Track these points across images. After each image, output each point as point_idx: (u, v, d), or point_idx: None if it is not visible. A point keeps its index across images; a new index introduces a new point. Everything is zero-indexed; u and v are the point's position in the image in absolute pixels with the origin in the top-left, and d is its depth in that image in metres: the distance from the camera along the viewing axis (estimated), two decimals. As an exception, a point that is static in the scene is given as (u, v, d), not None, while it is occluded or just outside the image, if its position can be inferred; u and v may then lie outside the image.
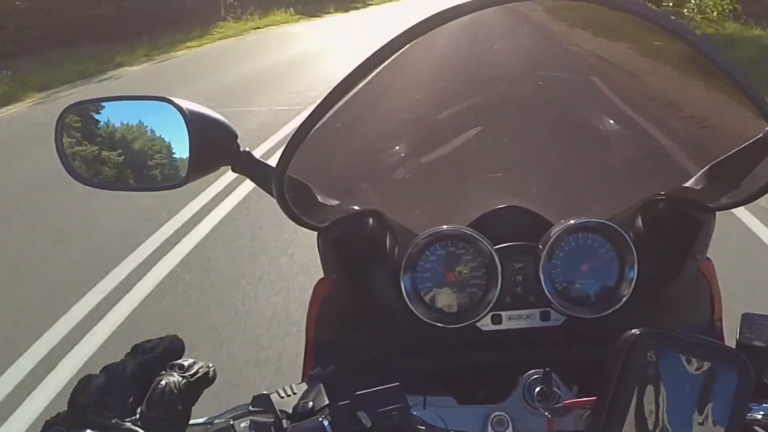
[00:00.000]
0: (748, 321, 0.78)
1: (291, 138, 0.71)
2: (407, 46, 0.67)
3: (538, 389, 0.76)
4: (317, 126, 0.70)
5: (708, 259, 0.93)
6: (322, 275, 0.95)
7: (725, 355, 0.65)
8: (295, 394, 0.70)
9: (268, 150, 6.06)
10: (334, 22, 21.65)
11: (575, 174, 1.03)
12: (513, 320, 0.88)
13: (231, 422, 0.62)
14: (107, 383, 0.62)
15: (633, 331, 0.66)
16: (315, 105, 0.69)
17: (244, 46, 16.09)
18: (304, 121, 0.69)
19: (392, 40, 0.66)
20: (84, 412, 0.59)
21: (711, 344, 0.66)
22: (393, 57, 0.67)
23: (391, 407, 0.61)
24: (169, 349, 0.67)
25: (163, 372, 0.64)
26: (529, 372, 0.78)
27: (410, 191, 1.01)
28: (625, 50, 0.89)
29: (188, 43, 16.46)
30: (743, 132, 0.79)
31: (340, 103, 0.70)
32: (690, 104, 0.92)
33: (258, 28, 20.47)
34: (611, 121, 0.97)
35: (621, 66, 0.91)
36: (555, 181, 1.04)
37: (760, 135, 0.75)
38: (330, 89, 0.68)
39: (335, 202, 0.92)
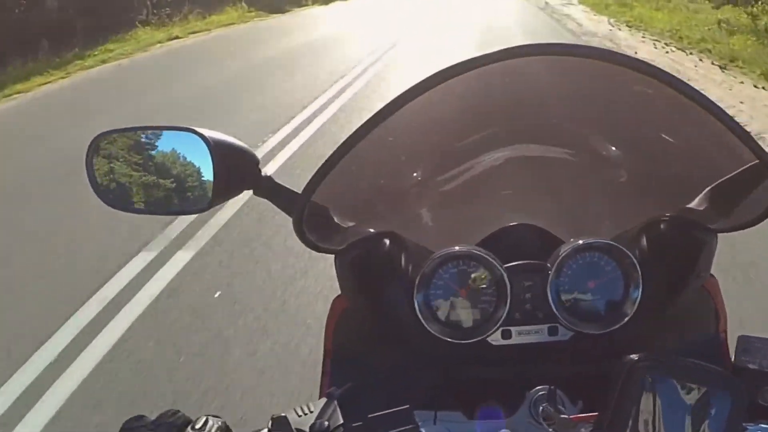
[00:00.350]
0: (744, 343, 0.81)
1: (319, 168, 0.75)
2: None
3: (542, 406, 0.79)
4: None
5: (712, 276, 0.96)
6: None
7: (719, 378, 0.69)
8: (312, 412, 0.74)
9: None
10: (304, 20, 16.52)
11: (584, 193, 1.06)
12: (522, 335, 0.91)
13: None
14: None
15: (631, 356, 0.70)
16: (346, 137, 0.74)
17: (90, 87, 10.00)
18: (333, 153, 0.74)
19: (426, 80, 0.70)
20: None
21: (705, 369, 0.69)
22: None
23: (401, 429, 0.66)
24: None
25: None
26: (536, 388, 0.81)
27: (425, 211, 1.05)
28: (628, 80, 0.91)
29: (19, 85, 9.87)
30: (742, 155, 0.81)
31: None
32: (692, 130, 0.94)
33: (176, 38, 14.31)
34: (615, 149, 1.00)
35: (626, 86, 0.93)
36: (565, 199, 1.07)
37: (754, 162, 0.78)
38: (362, 122, 0.72)
39: (351, 224, 0.96)
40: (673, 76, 0.70)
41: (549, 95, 0.90)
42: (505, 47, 0.71)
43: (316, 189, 0.78)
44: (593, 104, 0.92)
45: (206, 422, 0.68)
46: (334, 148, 0.76)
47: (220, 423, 0.69)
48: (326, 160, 0.76)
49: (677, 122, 0.87)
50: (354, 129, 0.74)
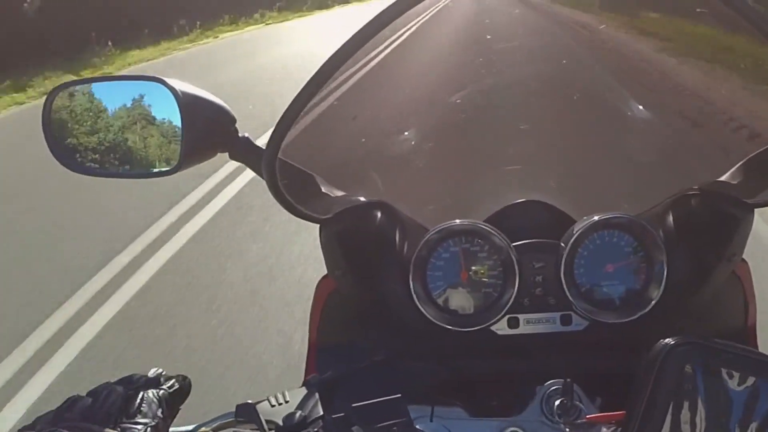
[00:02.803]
0: None
1: (281, 118, 0.64)
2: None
3: (558, 402, 0.69)
4: (314, 108, 0.64)
5: (743, 260, 0.86)
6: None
7: None
8: (287, 402, 0.63)
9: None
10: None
11: (600, 167, 0.96)
12: (531, 324, 0.82)
13: None
14: (93, 403, 0.59)
15: (667, 340, 0.59)
16: (304, 84, 0.63)
17: None
18: (294, 99, 0.63)
19: (379, 16, 0.59)
20: (63, 420, 0.56)
21: (756, 356, 0.59)
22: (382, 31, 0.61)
23: (391, 422, 0.55)
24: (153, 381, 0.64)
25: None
26: (548, 382, 0.71)
27: (422, 183, 0.94)
28: (657, 39, 0.81)
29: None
30: None
31: (343, 84, 0.64)
32: (726, 94, 0.84)
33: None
34: (640, 108, 0.89)
35: (653, 54, 0.83)
36: (578, 174, 0.97)
37: None
38: (320, 66, 0.61)
39: (340, 193, 0.85)
40: None
41: (563, 46, 0.79)
42: None
43: (281, 140, 0.67)
44: (618, 59, 0.82)
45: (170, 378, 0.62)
46: (293, 97, 0.65)
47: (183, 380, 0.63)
48: (287, 110, 0.65)
49: (714, 85, 0.77)
50: (313, 73, 0.63)
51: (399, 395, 0.57)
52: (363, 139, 0.85)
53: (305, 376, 0.89)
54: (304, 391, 0.66)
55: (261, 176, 0.81)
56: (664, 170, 0.92)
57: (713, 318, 0.86)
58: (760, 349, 0.78)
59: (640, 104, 0.89)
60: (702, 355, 0.57)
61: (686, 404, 0.57)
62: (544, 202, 0.93)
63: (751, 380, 0.57)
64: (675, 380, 0.57)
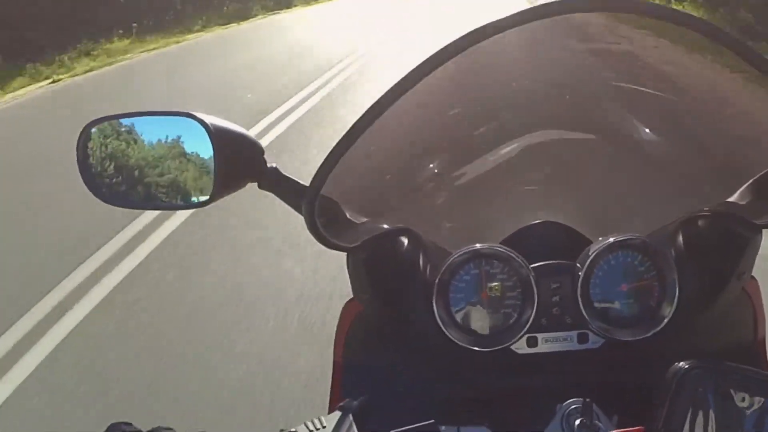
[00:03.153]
0: None
1: (326, 158, 0.68)
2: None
3: (578, 421, 0.72)
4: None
5: (753, 278, 0.89)
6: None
7: None
8: (324, 427, 0.67)
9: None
10: None
11: (613, 188, 0.99)
12: (549, 343, 0.85)
13: None
14: None
15: (681, 364, 0.63)
16: (352, 124, 0.66)
17: None
18: (341, 140, 0.67)
19: (433, 56, 0.62)
20: None
21: (764, 377, 0.63)
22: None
23: None
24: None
25: None
26: (568, 401, 0.75)
27: (442, 207, 0.98)
28: (664, 60, 0.85)
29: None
30: None
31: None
32: (734, 116, 0.88)
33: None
34: (650, 132, 0.93)
35: (661, 76, 0.87)
36: (592, 195, 1.00)
37: None
38: (368, 107, 0.65)
39: (364, 220, 0.89)
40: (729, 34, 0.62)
41: (573, 74, 0.82)
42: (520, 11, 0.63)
43: (326, 179, 0.71)
44: (624, 82, 0.85)
45: None
46: (341, 137, 0.69)
47: None
48: (333, 149, 0.68)
49: (720, 106, 0.80)
50: (360, 114, 0.67)
51: (432, 421, 0.61)
52: (387, 172, 0.89)
53: (330, 396, 0.93)
54: (338, 414, 0.70)
55: (290, 206, 0.84)
56: (674, 190, 0.95)
57: (724, 334, 0.89)
58: None
59: (649, 126, 0.93)
60: (713, 377, 0.61)
61: (700, 424, 0.61)
62: (559, 222, 0.96)
63: (759, 401, 0.61)
64: (689, 401, 0.61)
